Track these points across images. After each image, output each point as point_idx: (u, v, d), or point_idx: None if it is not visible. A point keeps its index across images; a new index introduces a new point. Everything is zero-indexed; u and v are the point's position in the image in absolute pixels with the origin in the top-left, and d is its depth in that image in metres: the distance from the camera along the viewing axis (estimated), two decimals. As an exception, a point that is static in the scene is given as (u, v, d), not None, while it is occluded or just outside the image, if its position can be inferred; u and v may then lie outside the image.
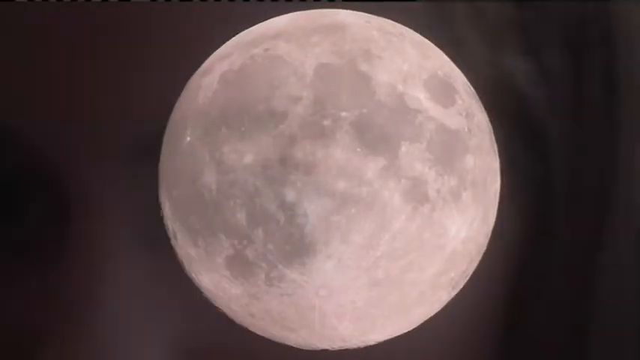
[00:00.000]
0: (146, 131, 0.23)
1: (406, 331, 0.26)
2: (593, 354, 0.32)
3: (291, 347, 0.25)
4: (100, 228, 0.26)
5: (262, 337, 0.25)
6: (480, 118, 0.25)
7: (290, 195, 0.23)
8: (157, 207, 0.24)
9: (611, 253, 0.29)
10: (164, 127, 0.25)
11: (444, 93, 0.24)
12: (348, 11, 0.25)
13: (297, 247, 0.23)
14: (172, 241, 0.26)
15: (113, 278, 0.25)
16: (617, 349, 0.32)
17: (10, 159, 0.27)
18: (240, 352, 0.27)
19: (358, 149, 0.23)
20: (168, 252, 0.23)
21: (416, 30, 0.25)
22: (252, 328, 0.26)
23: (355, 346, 0.25)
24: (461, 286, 0.26)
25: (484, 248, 0.26)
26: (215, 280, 0.25)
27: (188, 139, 0.24)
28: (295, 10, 0.25)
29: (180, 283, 0.24)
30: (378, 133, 0.23)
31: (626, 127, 0.27)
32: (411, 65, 0.24)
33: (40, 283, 0.27)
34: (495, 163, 0.26)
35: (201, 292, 0.26)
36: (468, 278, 0.26)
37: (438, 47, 0.25)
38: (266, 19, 0.26)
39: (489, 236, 0.26)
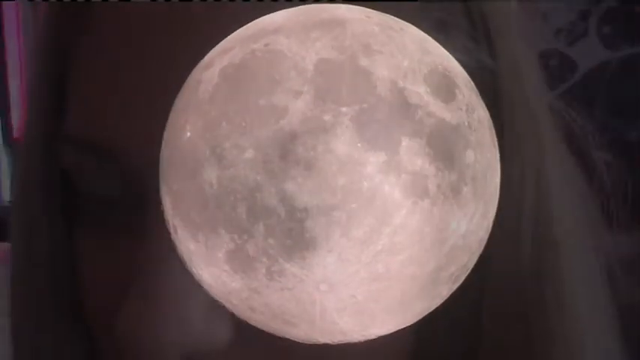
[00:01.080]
0: None
1: (406, 325, 0.26)
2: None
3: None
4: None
5: None
6: (481, 112, 0.25)
7: (290, 190, 0.23)
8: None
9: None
10: None
11: (444, 88, 0.24)
12: (348, 6, 0.25)
13: (298, 242, 0.23)
14: (173, 236, 0.26)
15: (173, 251, 0.30)
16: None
17: (110, 171, 0.34)
18: None
19: (359, 144, 0.23)
20: None
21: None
22: (252, 322, 0.26)
23: (356, 340, 0.26)
24: (461, 281, 0.26)
25: (484, 242, 0.26)
26: (215, 274, 0.25)
27: (188, 134, 0.24)
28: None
29: None
30: (379, 128, 0.23)
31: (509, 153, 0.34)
32: (412, 60, 0.24)
33: (126, 253, 0.34)
34: (496, 158, 0.26)
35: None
36: (468, 272, 0.26)
37: None
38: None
39: (490, 230, 0.26)
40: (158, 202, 0.32)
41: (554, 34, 1.22)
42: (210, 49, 0.26)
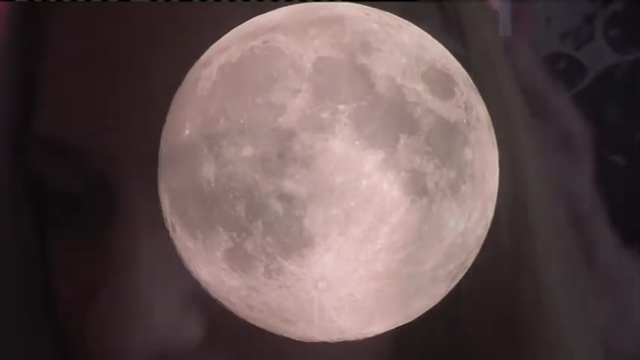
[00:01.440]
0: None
1: (404, 323, 0.26)
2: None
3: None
4: (135, 215, 0.32)
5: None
6: (479, 110, 0.25)
7: (289, 188, 0.23)
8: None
9: None
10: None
11: (442, 85, 0.24)
12: (347, 3, 0.25)
13: (296, 240, 0.23)
14: (171, 234, 0.26)
15: (142, 251, 0.32)
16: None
17: (78, 171, 0.34)
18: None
19: (357, 142, 0.23)
20: None
21: None
22: (250, 320, 0.26)
23: (354, 339, 0.25)
24: (459, 278, 0.25)
25: (482, 240, 0.26)
26: (214, 273, 0.25)
27: (187, 131, 0.24)
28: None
29: None
30: (377, 126, 0.23)
31: None
32: (410, 58, 0.24)
33: (91, 253, 0.34)
34: (494, 156, 0.26)
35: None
36: (466, 270, 0.26)
37: None
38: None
39: (488, 228, 0.26)
40: (126, 203, 0.32)
41: (560, 38, 1.22)
42: (189, 47, 0.26)
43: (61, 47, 0.35)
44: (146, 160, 0.29)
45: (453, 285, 0.25)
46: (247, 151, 0.23)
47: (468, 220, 0.24)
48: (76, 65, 0.34)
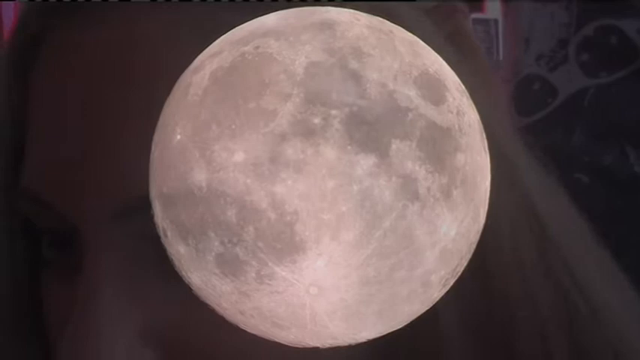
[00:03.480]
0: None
1: (396, 328, 0.26)
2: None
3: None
4: (98, 258, 0.34)
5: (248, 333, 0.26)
6: (471, 115, 0.25)
7: (280, 193, 0.23)
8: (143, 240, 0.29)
9: None
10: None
11: (434, 90, 0.24)
12: (338, 9, 0.25)
13: (288, 245, 0.23)
14: (162, 239, 0.26)
15: (103, 289, 0.34)
16: None
17: (50, 216, 0.37)
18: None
19: (348, 147, 0.23)
20: (151, 272, 0.33)
21: None
22: (242, 326, 0.26)
23: (346, 344, 0.25)
24: (451, 284, 0.25)
25: (474, 246, 0.26)
26: (205, 278, 0.25)
27: (178, 137, 0.24)
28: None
29: (158, 294, 0.34)
30: (369, 131, 0.23)
31: None
32: (402, 63, 0.24)
33: (64, 287, 0.37)
34: (486, 161, 0.26)
35: (188, 291, 0.26)
36: (458, 276, 0.26)
37: None
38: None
39: (480, 234, 0.26)
40: (92, 246, 0.34)
41: (536, 60, 1.23)
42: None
43: (40, 115, 0.37)
44: (110, 211, 0.33)
45: (445, 290, 0.25)
46: (239, 156, 0.23)
47: (460, 225, 0.24)
48: (52, 128, 0.36)
